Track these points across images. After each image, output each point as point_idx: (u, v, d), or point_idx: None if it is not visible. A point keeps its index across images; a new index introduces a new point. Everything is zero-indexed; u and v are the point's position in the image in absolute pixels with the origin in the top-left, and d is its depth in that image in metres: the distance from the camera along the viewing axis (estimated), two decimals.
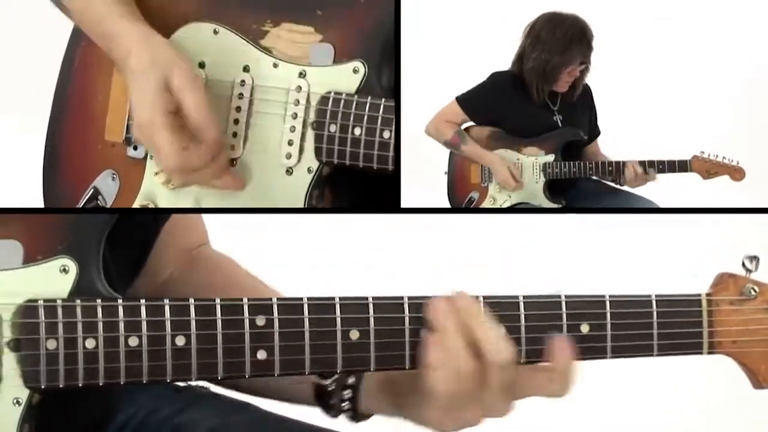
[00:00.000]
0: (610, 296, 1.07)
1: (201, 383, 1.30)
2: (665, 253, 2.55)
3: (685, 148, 2.22)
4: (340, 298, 1.03)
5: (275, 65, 1.33)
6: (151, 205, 1.35)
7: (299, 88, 1.32)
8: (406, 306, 1.04)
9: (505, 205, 2.26)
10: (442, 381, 1.02)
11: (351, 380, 1.14)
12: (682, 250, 2.54)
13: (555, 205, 2.23)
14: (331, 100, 1.30)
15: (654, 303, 1.08)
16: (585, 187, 2.31)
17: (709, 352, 1.10)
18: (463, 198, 2.31)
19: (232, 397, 1.30)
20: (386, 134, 1.27)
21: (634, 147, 2.26)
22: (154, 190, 1.36)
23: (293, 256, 2.39)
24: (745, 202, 2.32)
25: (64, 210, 1.36)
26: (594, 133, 2.35)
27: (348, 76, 1.30)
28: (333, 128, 1.30)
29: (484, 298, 1.05)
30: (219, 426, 1.25)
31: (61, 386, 0.98)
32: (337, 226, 2.40)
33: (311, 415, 1.25)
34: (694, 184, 2.21)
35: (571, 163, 2.22)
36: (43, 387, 0.98)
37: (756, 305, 1.09)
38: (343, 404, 1.14)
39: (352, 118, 1.29)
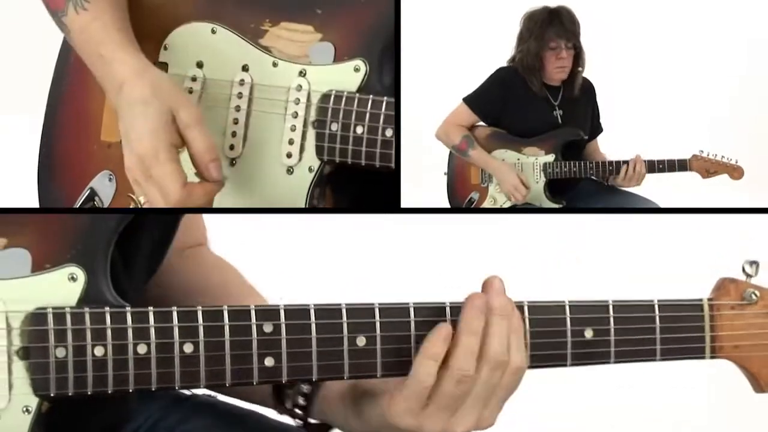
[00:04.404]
0: (613, 301, 1.08)
1: (207, 392, 1.30)
2: (665, 252, 2.56)
3: (684, 147, 2.22)
4: (347, 304, 1.03)
5: (275, 64, 1.33)
6: (148, 205, 1.34)
7: (300, 87, 1.31)
8: (411, 311, 1.04)
9: (505, 206, 2.26)
10: (448, 380, 1.02)
11: (306, 388, 1.15)
12: (682, 249, 2.54)
13: (555, 205, 2.24)
14: (332, 98, 1.29)
15: (657, 308, 1.09)
16: (585, 187, 2.31)
17: (711, 357, 1.11)
18: (463, 198, 2.31)
19: (237, 405, 1.30)
20: (388, 132, 1.26)
21: (634, 146, 2.27)
22: None
23: (293, 255, 2.39)
24: (745, 201, 2.33)
25: (68, 210, 1.36)
26: (595, 131, 2.35)
27: (349, 75, 1.30)
28: (335, 126, 1.29)
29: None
30: None
31: (70, 394, 0.98)
32: (337, 226, 2.40)
33: None
34: (694, 183, 2.21)
35: (572, 162, 2.22)
36: (52, 395, 0.98)
37: (757, 310, 1.11)
38: (296, 409, 1.15)
39: (354, 116, 1.28)
